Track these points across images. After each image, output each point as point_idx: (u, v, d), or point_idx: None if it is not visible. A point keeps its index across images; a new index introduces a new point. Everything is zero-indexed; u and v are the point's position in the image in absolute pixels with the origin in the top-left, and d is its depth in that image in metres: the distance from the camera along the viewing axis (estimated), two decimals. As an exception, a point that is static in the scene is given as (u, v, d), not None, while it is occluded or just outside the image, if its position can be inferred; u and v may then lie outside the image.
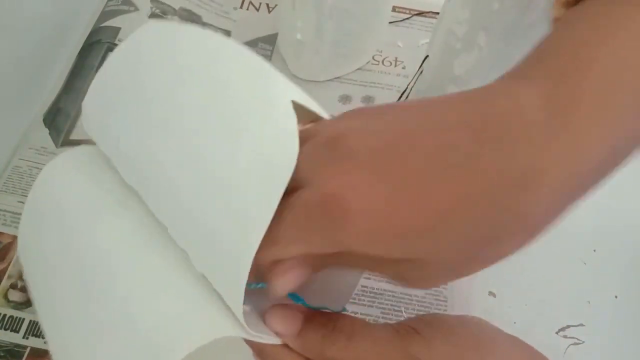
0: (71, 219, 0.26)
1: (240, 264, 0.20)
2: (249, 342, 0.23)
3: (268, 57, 0.50)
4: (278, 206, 0.20)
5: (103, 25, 0.49)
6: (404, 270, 0.21)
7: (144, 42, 0.27)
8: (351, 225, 0.18)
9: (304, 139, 0.21)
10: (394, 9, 0.52)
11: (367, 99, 0.48)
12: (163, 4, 0.51)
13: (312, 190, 0.19)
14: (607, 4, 0.20)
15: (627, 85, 0.18)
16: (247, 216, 0.21)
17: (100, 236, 0.24)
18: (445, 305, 0.38)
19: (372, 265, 0.21)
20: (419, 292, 0.38)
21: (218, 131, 0.22)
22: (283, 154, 0.21)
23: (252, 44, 0.51)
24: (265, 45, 0.51)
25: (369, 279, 0.39)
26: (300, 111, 0.23)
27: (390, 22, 0.51)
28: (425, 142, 0.19)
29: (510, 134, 0.18)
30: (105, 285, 0.23)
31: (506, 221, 0.18)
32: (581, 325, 0.38)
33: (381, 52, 0.51)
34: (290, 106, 0.22)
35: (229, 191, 0.21)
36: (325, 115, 0.25)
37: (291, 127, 0.21)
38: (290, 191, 0.20)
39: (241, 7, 0.53)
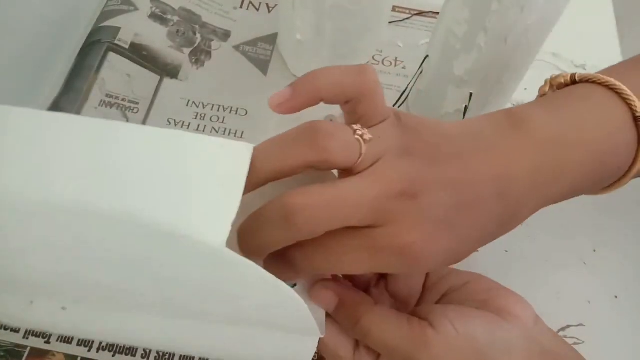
0: None
1: None
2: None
3: (268, 57, 0.50)
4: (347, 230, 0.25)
5: (103, 25, 0.49)
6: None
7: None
8: (417, 266, 0.24)
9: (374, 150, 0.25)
10: (394, 9, 0.52)
11: (367, 99, 0.48)
12: (163, 3, 0.51)
13: (390, 235, 0.24)
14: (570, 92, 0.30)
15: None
16: None
17: None
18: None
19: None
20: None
21: None
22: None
23: (252, 44, 0.51)
24: (265, 45, 0.51)
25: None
26: None
27: (390, 22, 0.51)
28: (471, 205, 0.25)
29: (511, 191, 0.26)
30: None
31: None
32: (581, 325, 0.38)
33: (381, 52, 0.51)
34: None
35: None
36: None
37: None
38: (360, 222, 0.24)
39: (241, 7, 0.53)
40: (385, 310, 0.28)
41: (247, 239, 0.26)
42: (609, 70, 0.31)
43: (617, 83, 0.28)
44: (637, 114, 0.28)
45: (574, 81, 0.30)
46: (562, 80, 0.31)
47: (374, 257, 0.24)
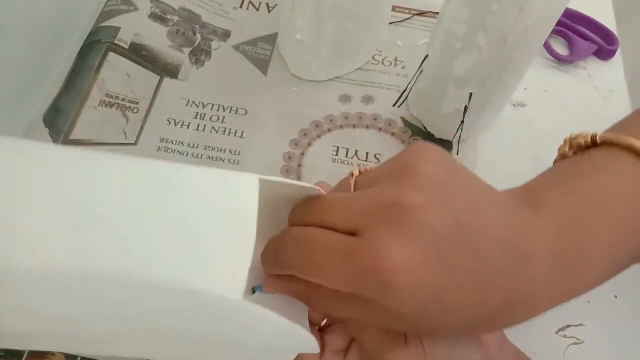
0: None
1: None
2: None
3: (268, 57, 0.50)
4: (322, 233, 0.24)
5: (103, 25, 0.49)
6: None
7: None
8: (392, 291, 0.21)
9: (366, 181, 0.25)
10: (394, 9, 0.52)
11: (367, 99, 0.48)
12: (163, 3, 0.51)
13: (368, 246, 0.21)
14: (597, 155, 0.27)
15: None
16: None
17: None
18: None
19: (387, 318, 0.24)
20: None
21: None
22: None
23: (252, 43, 0.51)
24: (265, 45, 0.51)
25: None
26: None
27: (390, 22, 0.51)
28: (473, 251, 0.22)
29: (527, 269, 0.23)
30: None
31: (501, 323, 0.25)
32: (581, 325, 0.38)
33: (381, 52, 0.51)
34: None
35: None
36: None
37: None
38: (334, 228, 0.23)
39: (241, 7, 0.53)
40: None
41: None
42: (623, 126, 0.29)
43: None
44: None
45: (594, 142, 0.28)
46: (582, 142, 0.28)
47: (349, 266, 0.22)
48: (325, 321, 0.30)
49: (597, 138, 0.27)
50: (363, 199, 0.23)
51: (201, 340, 0.24)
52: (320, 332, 0.30)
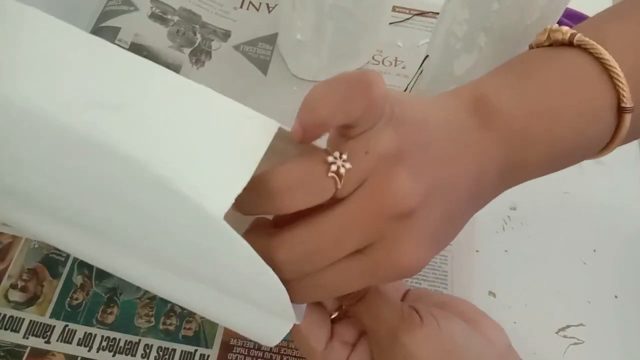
0: None
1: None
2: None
3: (268, 57, 0.50)
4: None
5: (103, 25, 0.49)
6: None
7: None
8: (408, 277, 0.24)
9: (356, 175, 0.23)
10: (394, 9, 0.52)
11: (367, 99, 0.48)
12: (163, 3, 0.51)
13: (390, 257, 0.23)
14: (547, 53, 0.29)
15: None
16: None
17: None
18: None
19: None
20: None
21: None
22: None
23: (252, 43, 0.51)
24: (265, 45, 0.51)
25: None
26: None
27: (390, 22, 0.51)
28: (459, 219, 0.26)
29: (482, 189, 0.26)
30: None
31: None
32: (581, 325, 0.38)
33: (381, 52, 0.51)
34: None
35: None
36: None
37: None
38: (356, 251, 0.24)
39: (241, 7, 0.53)
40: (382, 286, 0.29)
41: None
42: (609, 17, 0.30)
43: (613, 64, 0.26)
44: (624, 104, 0.27)
45: (570, 41, 0.28)
46: (560, 37, 0.29)
47: (375, 279, 0.24)
48: (337, 313, 0.30)
49: (575, 39, 0.28)
50: (363, 219, 0.23)
51: (182, 251, 0.24)
52: (332, 322, 0.30)
